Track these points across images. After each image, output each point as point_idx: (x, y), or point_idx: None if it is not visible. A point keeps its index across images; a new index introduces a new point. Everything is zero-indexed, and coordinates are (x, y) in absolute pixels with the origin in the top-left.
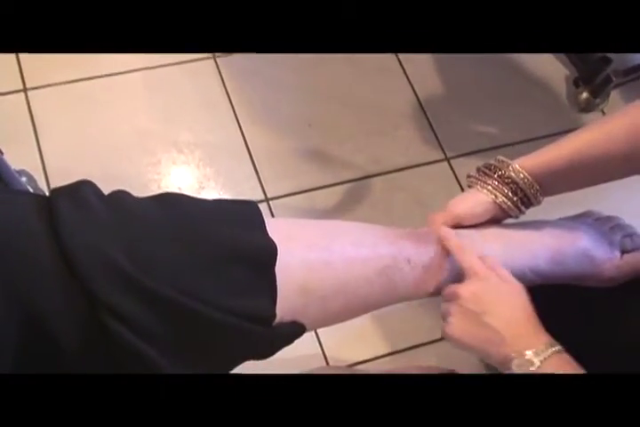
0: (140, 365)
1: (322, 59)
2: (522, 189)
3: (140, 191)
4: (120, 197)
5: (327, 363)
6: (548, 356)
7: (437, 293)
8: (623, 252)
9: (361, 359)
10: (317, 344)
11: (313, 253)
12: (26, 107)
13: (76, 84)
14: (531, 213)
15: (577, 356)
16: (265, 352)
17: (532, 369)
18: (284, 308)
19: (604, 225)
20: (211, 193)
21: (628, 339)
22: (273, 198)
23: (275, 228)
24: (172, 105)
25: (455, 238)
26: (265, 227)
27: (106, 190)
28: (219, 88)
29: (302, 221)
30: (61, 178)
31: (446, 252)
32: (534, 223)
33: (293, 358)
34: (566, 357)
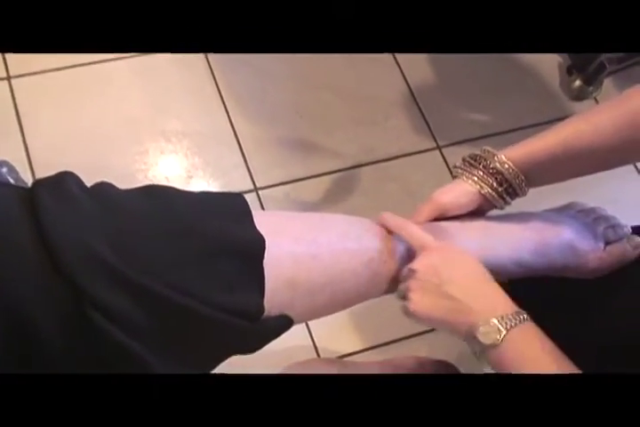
0: (126, 360)
1: None
2: (507, 180)
3: (127, 181)
4: (104, 188)
5: (318, 355)
6: (515, 324)
7: None
8: (607, 243)
9: (352, 351)
10: (308, 336)
11: (300, 246)
12: (9, 95)
13: (61, 71)
14: (517, 204)
15: (561, 344)
16: (252, 347)
17: (499, 338)
18: (272, 301)
19: (588, 217)
20: (199, 183)
21: (612, 331)
22: (262, 188)
23: (261, 221)
24: (159, 94)
25: (393, 219)
26: (253, 220)
27: (92, 181)
28: (207, 76)
29: (289, 214)
30: (47, 169)
31: (390, 234)
32: (518, 215)
33: (283, 350)
34: (534, 327)
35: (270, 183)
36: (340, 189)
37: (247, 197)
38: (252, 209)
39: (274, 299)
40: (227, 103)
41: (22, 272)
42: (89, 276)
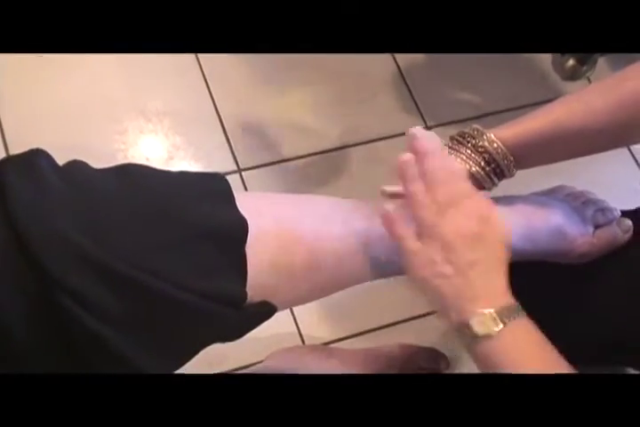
0: (98, 347)
1: None
2: (495, 160)
3: (105, 161)
4: (77, 167)
5: (303, 341)
6: (514, 317)
7: None
8: (596, 227)
9: (337, 337)
10: (293, 322)
11: (284, 229)
12: None
13: None
14: (504, 186)
15: (549, 329)
16: (234, 334)
17: (495, 330)
18: (254, 287)
19: (577, 200)
20: (180, 164)
21: (601, 314)
22: (245, 169)
23: (243, 202)
24: (139, 72)
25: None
26: (234, 201)
27: (69, 160)
28: (189, 54)
29: (272, 196)
30: (21, 148)
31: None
32: (505, 199)
33: (268, 337)
34: (530, 322)
35: (254, 164)
36: (327, 171)
37: (230, 178)
38: (234, 190)
39: (256, 284)
40: (209, 81)
41: None
42: (58, 259)
